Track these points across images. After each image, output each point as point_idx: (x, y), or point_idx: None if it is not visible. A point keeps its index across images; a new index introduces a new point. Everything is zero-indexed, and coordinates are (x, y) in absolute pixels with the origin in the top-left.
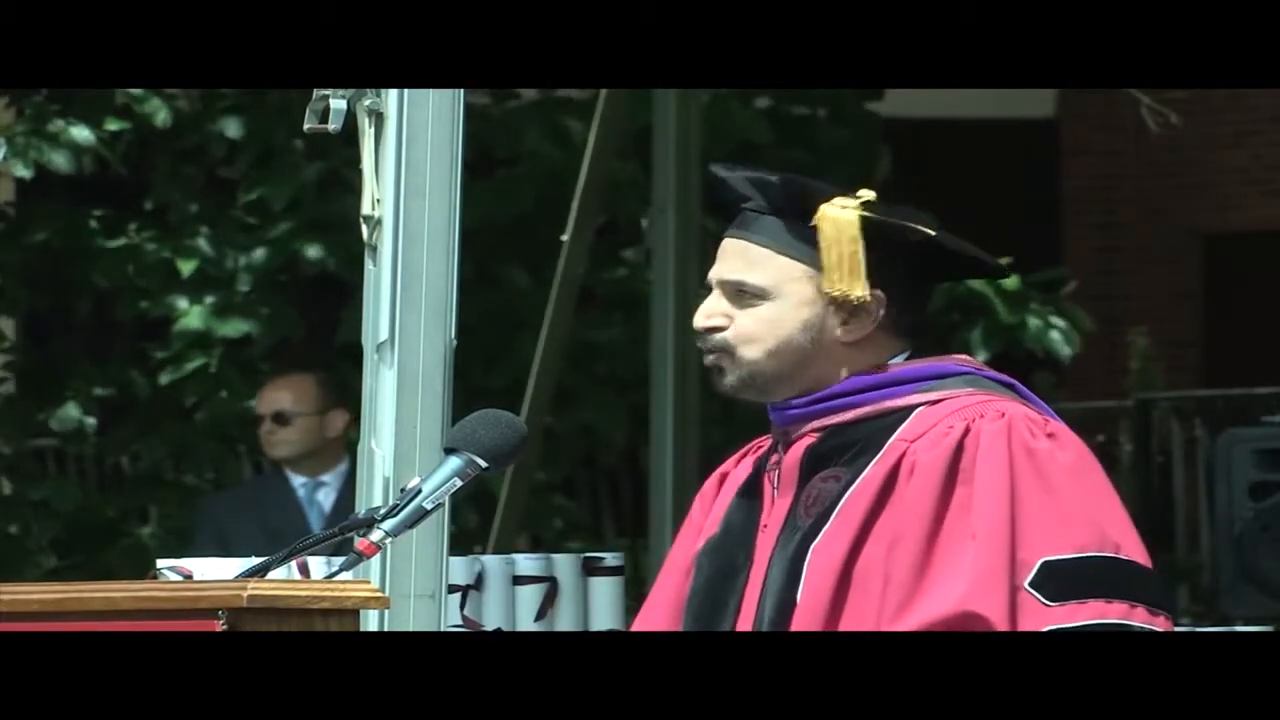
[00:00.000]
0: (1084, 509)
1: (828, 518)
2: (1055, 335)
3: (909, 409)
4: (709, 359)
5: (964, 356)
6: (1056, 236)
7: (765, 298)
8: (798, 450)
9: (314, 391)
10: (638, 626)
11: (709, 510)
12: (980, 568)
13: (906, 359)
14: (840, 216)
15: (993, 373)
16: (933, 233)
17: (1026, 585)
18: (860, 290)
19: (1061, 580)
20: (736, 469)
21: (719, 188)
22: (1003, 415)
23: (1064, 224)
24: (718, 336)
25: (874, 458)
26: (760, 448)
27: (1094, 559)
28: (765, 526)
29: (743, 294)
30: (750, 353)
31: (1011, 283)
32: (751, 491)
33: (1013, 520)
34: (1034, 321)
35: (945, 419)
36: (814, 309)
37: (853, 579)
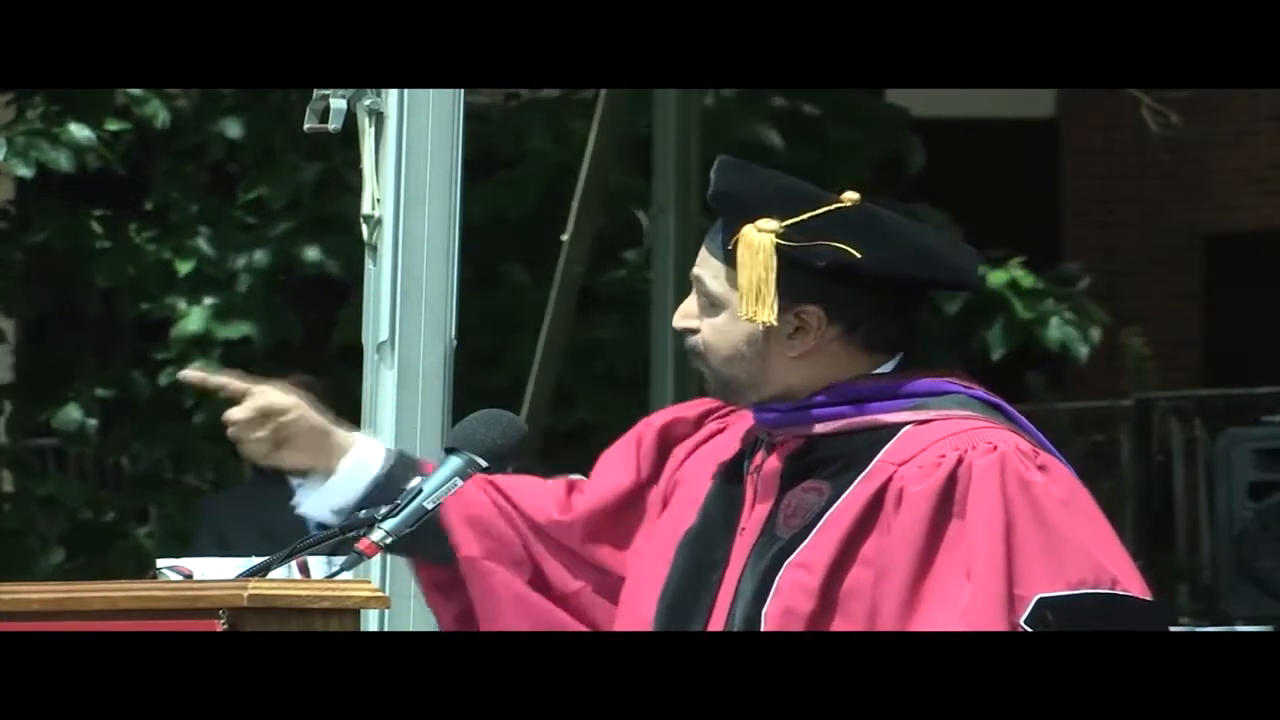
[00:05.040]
0: (1078, 543)
1: (807, 533)
2: (1072, 333)
3: (897, 426)
4: (693, 363)
5: (957, 374)
6: (1056, 236)
7: (719, 305)
8: (780, 456)
9: None
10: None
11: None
12: (976, 605)
13: (896, 367)
14: (754, 240)
15: (982, 393)
16: (858, 255)
17: (1022, 622)
18: (767, 316)
19: (1057, 618)
20: (708, 444)
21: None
22: (995, 448)
23: (1064, 224)
24: (691, 340)
25: (858, 475)
26: (722, 416)
27: (1089, 596)
28: (743, 530)
29: (703, 298)
30: (713, 360)
31: (1028, 280)
32: (732, 482)
33: (1009, 556)
34: (1054, 320)
35: (935, 445)
36: (754, 323)
37: (837, 600)
